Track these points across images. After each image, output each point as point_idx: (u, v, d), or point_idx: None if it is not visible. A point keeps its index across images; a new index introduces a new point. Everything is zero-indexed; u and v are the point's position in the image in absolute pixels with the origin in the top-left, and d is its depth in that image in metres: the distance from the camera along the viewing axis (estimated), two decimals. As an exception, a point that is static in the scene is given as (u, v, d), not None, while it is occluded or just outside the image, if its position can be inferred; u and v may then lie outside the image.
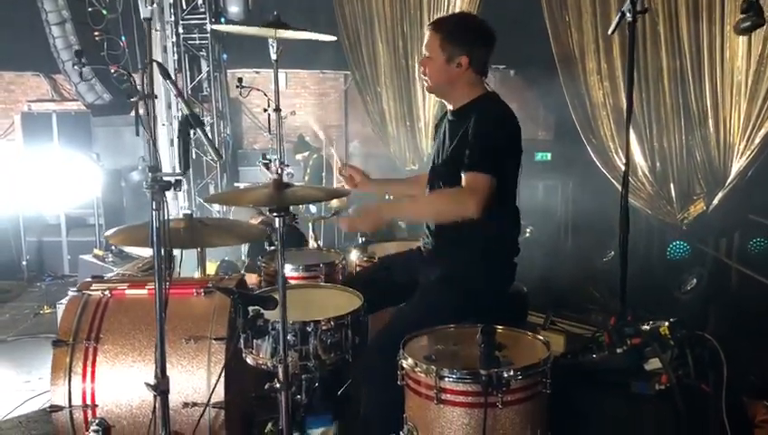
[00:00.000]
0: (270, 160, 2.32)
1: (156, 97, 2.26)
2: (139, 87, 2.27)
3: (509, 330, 2.45)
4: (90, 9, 6.24)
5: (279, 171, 3.75)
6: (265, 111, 3.61)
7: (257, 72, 9.58)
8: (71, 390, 2.74)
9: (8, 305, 6.18)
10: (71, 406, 2.75)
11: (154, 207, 2.27)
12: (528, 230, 5.82)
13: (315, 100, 10.38)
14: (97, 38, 6.22)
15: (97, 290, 2.94)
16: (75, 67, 2.15)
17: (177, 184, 2.27)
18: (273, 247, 3.48)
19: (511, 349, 2.31)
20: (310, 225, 4.24)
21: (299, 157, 8.03)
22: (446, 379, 2.11)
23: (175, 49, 7.19)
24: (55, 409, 2.75)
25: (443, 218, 2.74)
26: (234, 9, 6.82)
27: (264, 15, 4.13)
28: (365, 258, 3.42)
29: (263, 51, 3.68)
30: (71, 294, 2.98)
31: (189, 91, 7.49)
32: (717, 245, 5.30)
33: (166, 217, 2.28)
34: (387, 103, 6.82)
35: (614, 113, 5.29)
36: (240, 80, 3.68)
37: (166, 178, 2.24)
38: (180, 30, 7.19)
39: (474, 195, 2.55)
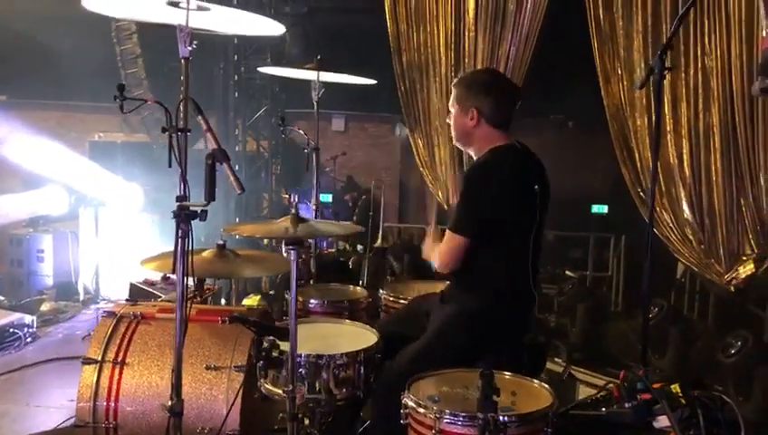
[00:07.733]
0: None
1: (189, 131, 2.37)
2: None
3: (519, 378, 2.45)
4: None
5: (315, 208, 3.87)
6: (304, 150, 3.72)
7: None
8: (95, 407, 2.85)
9: (62, 326, 6.40)
10: (95, 423, 2.86)
11: (180, 235, 2.40)
12: (570, 285, 5.76)
13: (371, 142, 10.57)
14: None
15: (128, 313, 3.07)
16: (117, 101, 2.29)
17: (203, 214, 2.39)
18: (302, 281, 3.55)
19: (520, 396, 2.32)
20: (365, 262, 4.33)
21: (347, 197, 8.15)
22: (445, 420, 2.12)
23: (236, 88, 7.50)
24: (80, 425, 2.86)
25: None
26: (294, 51, 7.10)
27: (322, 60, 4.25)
28: (392, 298, 3.46)
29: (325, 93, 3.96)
30: (104, 315, 3.12)
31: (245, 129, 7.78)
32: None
33: (191, 246, 2.40)
34: (438, 147, 6.86)
35: (664, 170, 5.21)
36: (282, 119, 3.81)
37: (192, 208, 2.38)
38: (242, 70, 7.49)
39: (441, 253, 2.78)
